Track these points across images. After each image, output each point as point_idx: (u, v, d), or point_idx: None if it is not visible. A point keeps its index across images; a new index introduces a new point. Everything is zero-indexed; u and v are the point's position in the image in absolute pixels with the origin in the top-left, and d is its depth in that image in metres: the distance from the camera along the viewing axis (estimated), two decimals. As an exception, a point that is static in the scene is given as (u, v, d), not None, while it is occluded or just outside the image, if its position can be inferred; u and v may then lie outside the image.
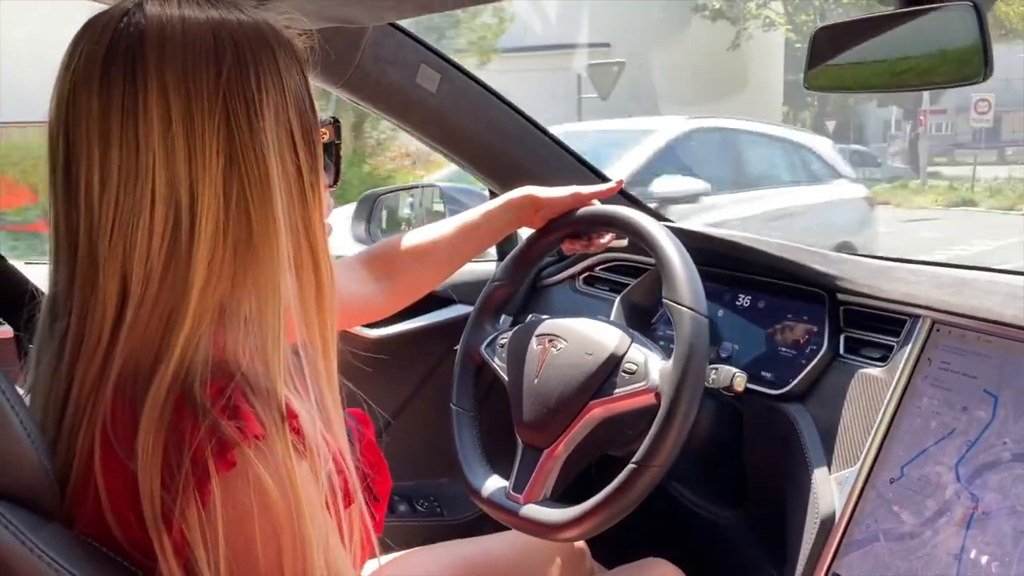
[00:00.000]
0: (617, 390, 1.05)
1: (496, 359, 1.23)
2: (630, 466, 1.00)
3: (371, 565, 0.84)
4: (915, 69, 0.77)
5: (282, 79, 0.63)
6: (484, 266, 1.67)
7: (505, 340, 1.23)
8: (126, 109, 0.58)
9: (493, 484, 1.16)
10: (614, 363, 1.07)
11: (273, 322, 0.61)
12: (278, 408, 0.60)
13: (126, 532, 0.58)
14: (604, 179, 1.60)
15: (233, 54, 0.60)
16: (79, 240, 0.61)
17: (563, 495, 1.11)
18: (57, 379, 0.62)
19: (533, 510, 1.09)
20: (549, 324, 1.17)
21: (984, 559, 0.85)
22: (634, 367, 1.05)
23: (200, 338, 0.60)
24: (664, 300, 1.05)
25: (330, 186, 0.74)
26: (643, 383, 1.03)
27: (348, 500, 0.68)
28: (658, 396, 1.01)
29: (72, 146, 0.60)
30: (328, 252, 0.67)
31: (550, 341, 1.15)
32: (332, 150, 0.74)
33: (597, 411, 1.07)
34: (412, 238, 1.17)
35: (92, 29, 0.61)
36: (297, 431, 0.61)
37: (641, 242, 1.10)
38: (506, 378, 1.18)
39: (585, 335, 1.11)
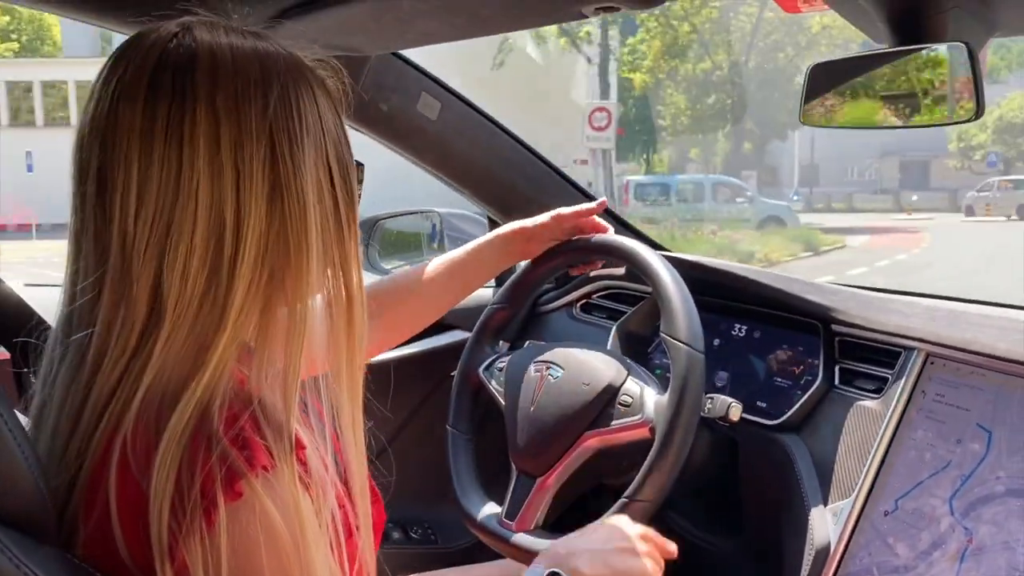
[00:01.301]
0: (613, 422, 1.06)
1: (494, 383, 1.23)
2: (621, 500, 1.00)
3: None
4: (908, 108, 0.79)
5: (320, 116, 0.65)
6: (482, 291, 1.67)
7: (503, 365, 1.24)
8: (171, 127, 0.59)
9: (487, 510, 1.17)
10: (610, 394, 1.07)
11: (296, 352, 0.62)
12: (288, 439, 0.60)
13: (132, 549, 0.58)
14: (592, 199, 1.61)
15: (279, 87, 0.62)
16: (110, 253, 0.61)
17: (557, 523, 1.11)
18: (74, 391, 0.62)
19: (524, 539, 1.09)
20: (547, 351, 1.18)
21: None
22: (630, 399, 1.06)
23: (228, 365, 0.60)
24: (662, 335, 1.05)
25: None
26: (639, 416, 1.04)
27: (349, 533, 0.68)
28: (652, 431, 1.02)
29: (109, 158, 0.61)
30: (361, 288, 0.68)
31: (547, 368, 1.15)
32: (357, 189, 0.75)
33: (592, 442, 1.08)
34: (400, 277, 1.18)
35: (138, 46, 0.62)
36: (303, 463, 0.61)
37: (639, 272, 1.11)
38: (503, 403, 1.19)
39: (582, 365, 1.12)
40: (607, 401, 1.07)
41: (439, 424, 1.29)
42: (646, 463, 0.99)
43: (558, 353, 1.16)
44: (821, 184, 27.46)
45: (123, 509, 0.58)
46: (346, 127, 0.69)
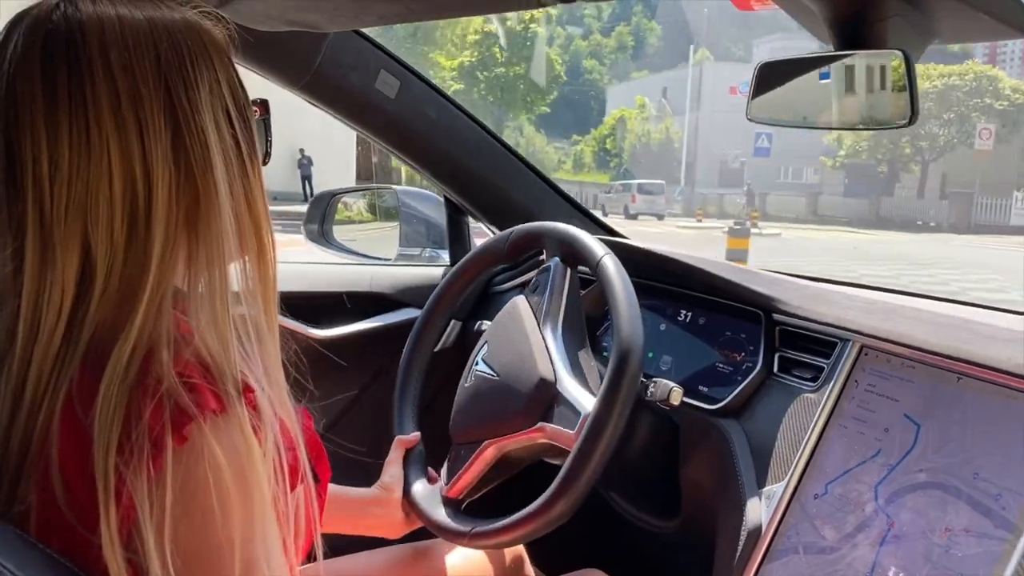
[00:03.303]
0: (541, 423, 1.08)
1: (439, 366, 1.26)
2: (537, 506, 1.02)
3: (308, 570, 0.85)
4: (846, 111, 0.81)
5: (212, 60, 0.67)
6: (434, 271, 1.69)
7: (449, 347, 1.26)
8: (72, 91, 0.61)
9: (421, 485, 1.20)
10: (545, 395, 1.09)
11: (223, 293, 0.64)
12: (234, 383, 0.62)
13: (72, 499, 0.59)
14: (550, 184, 1.64)
15: (168, 39, 0.64)
16: (27, 225, 0.62)
17: (492, 499, 1.14)
18: (8, 365, 0.63)
19: (446, 516, 1.13)
20: (489, 345, 1.20)
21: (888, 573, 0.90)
22: (563, 402, 1.07)
23: (162, 307, 0.62)
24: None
25: (262, 163, 0.76)
26: (566, 423, 1.06)
27: (296, 480, 0.70)
28: (577, 433, 1.04)
29: (16, 134, 0.62)
30: (269, 223, 0.70)
31: (486, 360, 1.18)
32: (261, 127, 0.77)
33: (503, 444, 1.11)
34: None
35: (21, 23, 0.64)
36: (253, 407, 0.63)
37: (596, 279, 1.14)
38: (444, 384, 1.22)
39: (520, 360, 1.14)
40: (540, 401, 1.09)
41: (387, 401, 1.31)
42: (560, 477, 1.00)
43: (497, 349, 1.18)
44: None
45: (66, 458, 0.59)
46: (238, 70, 0.71)
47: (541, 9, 0.84)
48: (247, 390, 0.63)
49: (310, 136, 16.25)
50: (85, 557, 0.58)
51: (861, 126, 0.81)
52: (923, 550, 0.88)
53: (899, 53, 0.74)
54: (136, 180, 0.62)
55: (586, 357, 1.15)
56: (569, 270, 1.19)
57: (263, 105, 0.77)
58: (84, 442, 0.58)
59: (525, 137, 48.83)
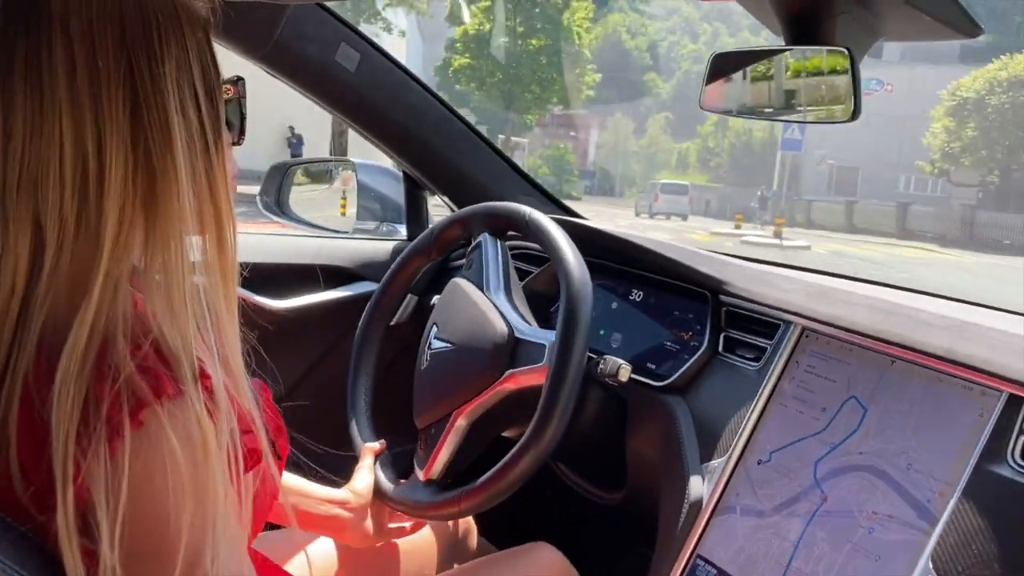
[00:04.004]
0: (508, 371, 1.10)
1: (395, 339, 1.28)
2: (522, 442, 1.04)
3: (263, 542, 0.87)
4: (793, 104, 0.85)
5: (184, 35, 0.65)
6: (391, 244, 1.70)
7: (405, 321, 1.28)
8: (29, 60, 0.59)
9: (395, 483, 1.20)
10: (506, 345, 1.11)
11: (177, 278, 0.63)
12: (191, 368, 0.61)
13: (29, 486, 0.59)
14: (508, 161, 1.66)
15: (137, 8, 0.62)
16: None
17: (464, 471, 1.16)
18: None
19: (430, 496, 1.13)
20: (438, 324, 1.22)
21: (816, 551, 0.95)
22: (525, 344, 1.10)
23: (118, 290, 0.61)
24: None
25: (235, 143, 0.76)
26: (534, 359, 1.09)
27: (257, 460, 0.70)
28: (548, 359, 1.06)
29: None
30: (231, 210, 0.68)
31: (440, 337, 1.20)
32: (236, 107, 0.75)
33: (473, 408, 1.13)
34: None
35: None
36: (209, 391, 0.62)
37: (525, 232, 1.17)
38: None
39: (473, 323, 1.16)
40: (507, 350, 1.11)
41: (343, 373, 1.32)
42: (541, 404, 1.03)
43: (451, 323, 1.20)
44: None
45: (24, 445, 0.59)
46: (212, 43, 0.69)
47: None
48: (203, 376, 0.62)
49: (300, 114, 15.77)
50: (43, 542, 0.58)
51: (805, 119, 0.85)
52: (849, 528, 0.93)
53: (845, 50, 0.77)
54: (88, 156, 0.60)
55: (531, 315, 1.19)
56: (499, 241, 1.23)
57: (237, 84, 0.75)
58: (41, 431, 0.58)
59: (648, 135, 46.37)
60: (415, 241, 1.34)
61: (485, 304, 1.17)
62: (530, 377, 1.08)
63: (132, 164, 0.61)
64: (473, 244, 1.25)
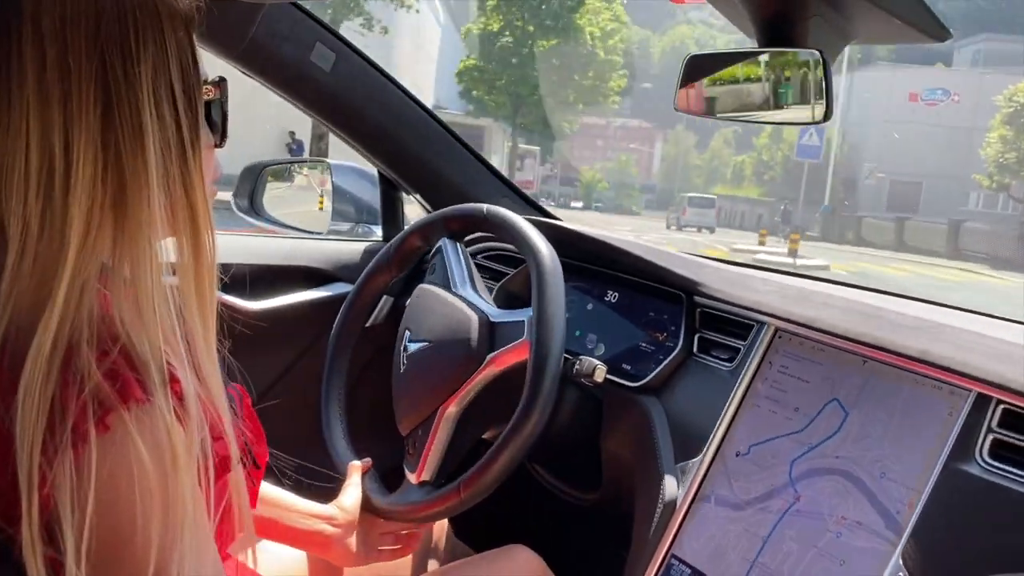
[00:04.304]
0: (489, 355, 1.11)
1: (369, 340, 1.28)
2: (511, 426, 1.04)
3: (238, 548, 0.85)
4: (767, 105, 0.85)
5: (164, 34, 0.63)
6: (366, 245, 1.69)
7: (380, 323, 1.28)
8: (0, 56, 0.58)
9: (384, 494, 1.19)
10: (484, 331, 1.12)
11: (146, 282, 0.61)
12: (159, 373, 0.60)
13: None
14: (484, 163, 1.66)
15: (113, 7, 0.60)
16: None
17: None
18: None
19: (425, 495, 1.13)
20: (411, 327, 1.23)
21: (784, 548, 0.95)
22: (503, 326, 1.11)
23: (84, 295, 0.59)
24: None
25: (216, 146, 0.74)
26: (515, 337, 1.10)
27: (226, 468, 0.69)
28: (529, 332, 1.08)
29: None
30: (208, 214, 0.66)
31: (414, 339, 1.21)
32: (218, 108, 0.73)
33: (459, 399, 1.13)
34: None
35: None
36: (178, 396, 0.61)
37: (499, 232, 1.18)
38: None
39: (447, 319, 1.17)
40: (486, 336, 1.12)
41: (317, 374, 1.31)
42: (529, 374, 1.04)
43: (426, 326, 1.20)
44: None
45: None
46: (195, 42, 0.67)
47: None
48: (173, 381, 0.61)
49: (301, 118, 15.61)
50: (9, 552, 0.57)
51: (777, 121, 0.86)
52: (817, 531, 0.94)
53: (816, 53, 0.78)
54: (54, 156, 0.58)
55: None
56: (458, 244, 1.25)
57: (220, 85, 0.73)
58: (3, 440, 0.56)
59: (711, 148, 44.98)
60: (376, 257, 1.35)
61: (454, 299, 1.18)
62: (513, 355, 1.09)
63: (102, 165, 0.60)
64: (433, 250, 1.27)
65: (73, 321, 0.58)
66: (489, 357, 1.10)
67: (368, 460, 1.22)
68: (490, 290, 1.33)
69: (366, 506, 1.15)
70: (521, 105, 26.63)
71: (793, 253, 18.03)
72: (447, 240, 1.26)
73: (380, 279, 1.34)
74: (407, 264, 1.35)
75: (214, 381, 0.67)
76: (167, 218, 0.63)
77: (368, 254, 1.65)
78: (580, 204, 38.65)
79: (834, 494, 0.95)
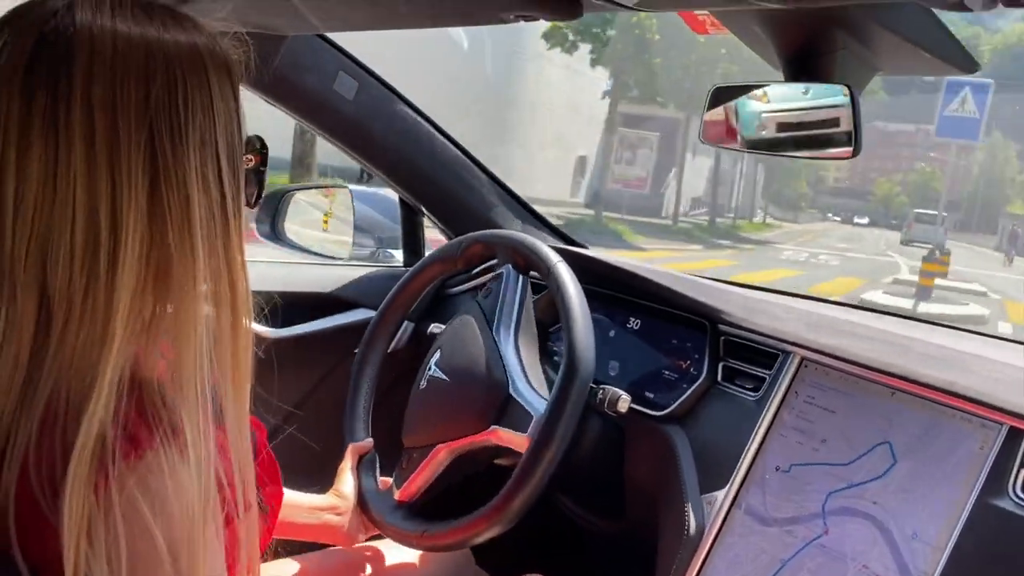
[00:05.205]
0: (494, 426, 1.11)
1: (391, 367, 1.28)
2: (491, 506, 1.06)
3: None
4: (794, 139, 0.85)
5: (212, 102, 0.61)
6: (387, 271, 1.70)
7: (401, 348, 1.28)
8: (47, 119, 0.56)
9: (373, 490, 1.22)
10: (497, 397, 1.12)
11: (189, 361, 0.60)
12: (170, 424, 0.58)
13: (29, 556, 0.56)
14: (507, 189, 1.66)
15: (164, 72, 0.59)
16: None
17: (441, 500, 1.17)
18: None
19: (398, 519, 1.16)
20: (442, 350, 1.22)
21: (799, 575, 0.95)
22: (516, 405, 1.11)
23: (126, 380, 0.58)
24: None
25: (250, 206, 0.72)
26: (519, 426, 1.09)
27: (233, 516, 0.67)
28: (529, 435, 1.07)
29: None
30: (246, 285, 0.65)
31: (439, 365, 1.20)
32: (258, 176, 0.72)
33: (455, 447, 1.15)
34: None
35: (16, 25, 0.59)
36: (182, 447, 0.59)
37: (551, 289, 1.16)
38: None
39: (472, 364, 1.16)
40: (498, 404, 1.11)
41: (338, 402, 1.32)
42: (513, 478, 1.05)
43: (450, 351, 1.21)
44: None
45: (26, 534, 0.56)
46: (241, 107, 0.66)
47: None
48: (181, 431, 0.59)
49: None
50: None
51: (807, 156, 0.85)
52: (836, 571, 0.92)
53: (845, 88, 0.78)
54: (100, 230, 0.56)
55: (537, 362, 1.18)
56: (521, 276, 1.21)
57: (259, 153, 0.71)
58: (47, 527, 0.55)
59: None
60: (443, 247, 1.34)
61: (489, 347, 1.16)
62: (512, 441, 1.09)
63: (148, 240, 0.58)
64: (495, 272, 1.25)
65: (116, 404, 0.57)
66: (493, 428, 1.11)
67: (370, 440, 1.26)
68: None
69: (389, 532, 1.17)
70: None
71: (927, 288, 12.22)
72: (511, 270, 1.23)
73: (441, 268, 1.35)
74: (471, 263, 1.35)
75: (242, 456, 0.65)
76: (210, 292, 0.62)
77: (390, 279, 1.65)
78: (866, 220, 35.40)
79: (862, 539, 0.93)
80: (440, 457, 1.15)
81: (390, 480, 1.23)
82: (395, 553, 1.25)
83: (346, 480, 1.21)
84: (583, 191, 24.22)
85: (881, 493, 0.94)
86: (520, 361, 1.16)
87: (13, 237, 0.57)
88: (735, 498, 1.05)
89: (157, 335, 0.60)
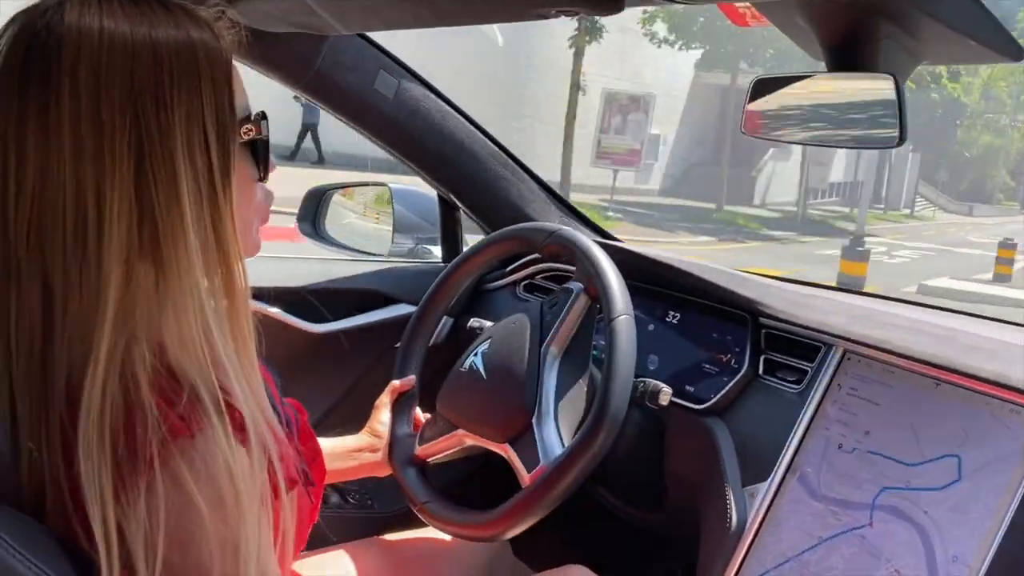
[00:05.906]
0: (507, 444, 1.12)
1: (429, 361, 1.30)
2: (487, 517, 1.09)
3: (298, 560, 0.87)
4: (838, 129, 0.85)
5: (199, 78, 0.63)
6: (429, 267, 1.71)
7: (440, 343, 1.29)
8: (39, 111, 0.60)
9: (401, 434, 1.26)
10: (518, 422, 1.12)
11: (191, 323, 0.62)
12: (214, 402, 0.61)
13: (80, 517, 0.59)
14: (545, 186, 1.67)
15: (149, 58, 0.61)
16: None
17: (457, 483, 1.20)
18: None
19: (411, 476, 1.21)
20: (490, 343, 1.23)
21: (831, 561, 0.95)
22: (532, 439, 1.10)
23: (132, 345, 0.60)
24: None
25: (260, 180, 0.75)
26: (527, 461, 1.10)
27: (291, 486, 0.71)
28: (531, 479, 1.08)
29: None
30: (239, 253, 0.66)
31: (484, 356, 1.22)
32: (259, 146, 0.73)
33: (471, 440, 1.18)
34: None
35: (15, 25, 0.62)
36: (240, 426, 0.63)
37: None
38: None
39: (509, 376, 1.16)
40: (517, 428, 1.12)
41: (379, 394, 1.33)
42: (506, 508, 1.08)
43: (492, 354, 1.22)
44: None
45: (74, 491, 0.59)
46: (235, 81, 0.67)
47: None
48: (231, 408, 0.62)
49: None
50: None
51: (851, 146, 0.85)
52: (869, 566, 0.92)
53: (889, 76, 0.78)
54: (87, 211, 0.60)
55: (577, 390, 1.16)
56: (592, 305, 1.17)
57: (260, 124, 0.72)
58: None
59: None
60: (528, 227, 1.32)
61: (531, 364, 1.14)
62: (518, 468, 1.10)
63: (136, 217, 0.61)
64: (566, 285, 1.19)
65: (125, 364, 0.60)
66: (505, 445, 1.13)
67: (412, 379, 1.30)
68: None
69: (399, 482, 1.22)
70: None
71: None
72: (582, 291, 1.15)
73: (521, 245, 1.33)
74: (552, 257, 1.39)
75: (263, 406, 0.67)
76: (199, 260, 0.64)
77: (429, 275, 1.67)
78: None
79: (902, 544, 0.92)
80: (458, 438, 1.19)
81: (422, 420, 1.28)
82: (432, 544, 1.27)
83: (380, 418, 1.26)
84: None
85: (936, 506, 0.92)
86: (557, 390, 1.13)
87: (15, 227, 0.61)
88: (777, 491, 1.05)
89: (157, 306, 0.63)
